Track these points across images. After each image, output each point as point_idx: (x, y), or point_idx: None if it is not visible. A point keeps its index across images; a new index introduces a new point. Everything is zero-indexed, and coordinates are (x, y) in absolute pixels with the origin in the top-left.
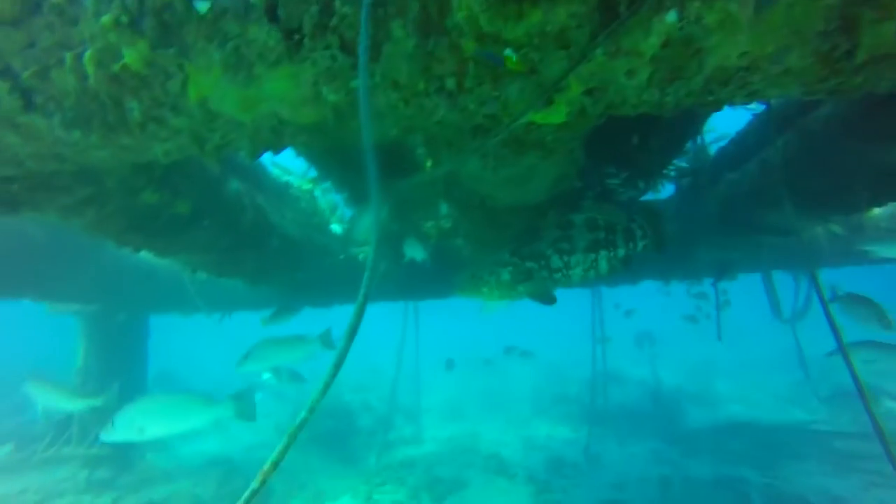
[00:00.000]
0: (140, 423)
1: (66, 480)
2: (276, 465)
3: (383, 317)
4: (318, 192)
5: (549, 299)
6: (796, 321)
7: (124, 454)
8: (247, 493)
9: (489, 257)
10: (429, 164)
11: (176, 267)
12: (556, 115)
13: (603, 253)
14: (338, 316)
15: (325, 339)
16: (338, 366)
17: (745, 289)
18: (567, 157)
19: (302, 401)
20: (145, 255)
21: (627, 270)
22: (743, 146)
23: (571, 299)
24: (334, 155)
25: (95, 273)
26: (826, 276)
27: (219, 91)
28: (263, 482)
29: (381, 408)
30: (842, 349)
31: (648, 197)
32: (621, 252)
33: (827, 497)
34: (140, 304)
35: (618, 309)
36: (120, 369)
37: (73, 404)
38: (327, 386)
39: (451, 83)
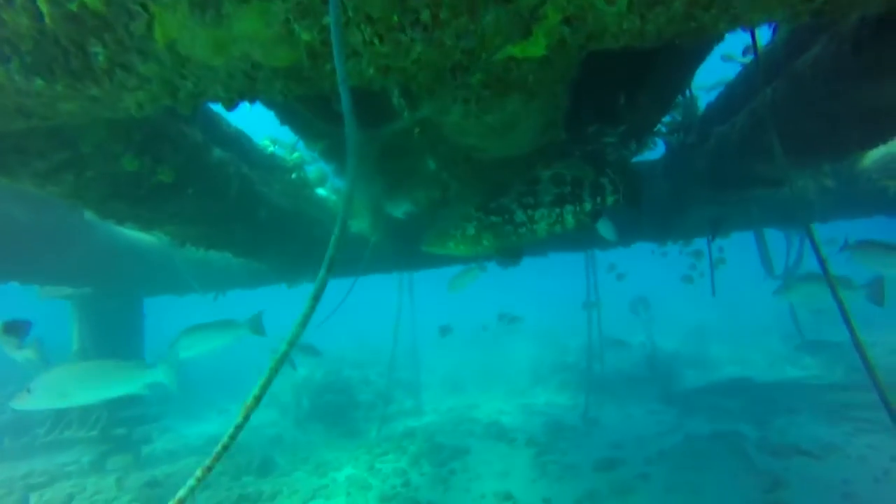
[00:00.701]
0: (61, 389)
1: (70, 464)
2: (258, 399)
3: (379, 294)
4: (307, 160)
5: (514, 254)
6: (788, 277)
7: (128, 437)
8: (231, 429)
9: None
10: (417, 131)
11: (167, 247)
12: (536, 47)
13: (568, 207)
14: (332, 288)
15: (255, 324)
16: (316, 297)
17: (739, 251)
18: (551, 101)
19: (305, 380)
20: (135, 235)
21: (596, 224)
22: (732, 98)
23: (568, 265)
24: (317, 113)
25: (84, 255)
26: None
27: (187, 32)
28: (247, 417)
29: (380, 382)
30: (838, 301)
31: (640, 156)
32: (588, 206)
33: (818, 444)
34: (132, 285)
35: (612, 271)
36: (116, 351)
37: (24, 355)
38: (307, 318)
39: (426, 15)
